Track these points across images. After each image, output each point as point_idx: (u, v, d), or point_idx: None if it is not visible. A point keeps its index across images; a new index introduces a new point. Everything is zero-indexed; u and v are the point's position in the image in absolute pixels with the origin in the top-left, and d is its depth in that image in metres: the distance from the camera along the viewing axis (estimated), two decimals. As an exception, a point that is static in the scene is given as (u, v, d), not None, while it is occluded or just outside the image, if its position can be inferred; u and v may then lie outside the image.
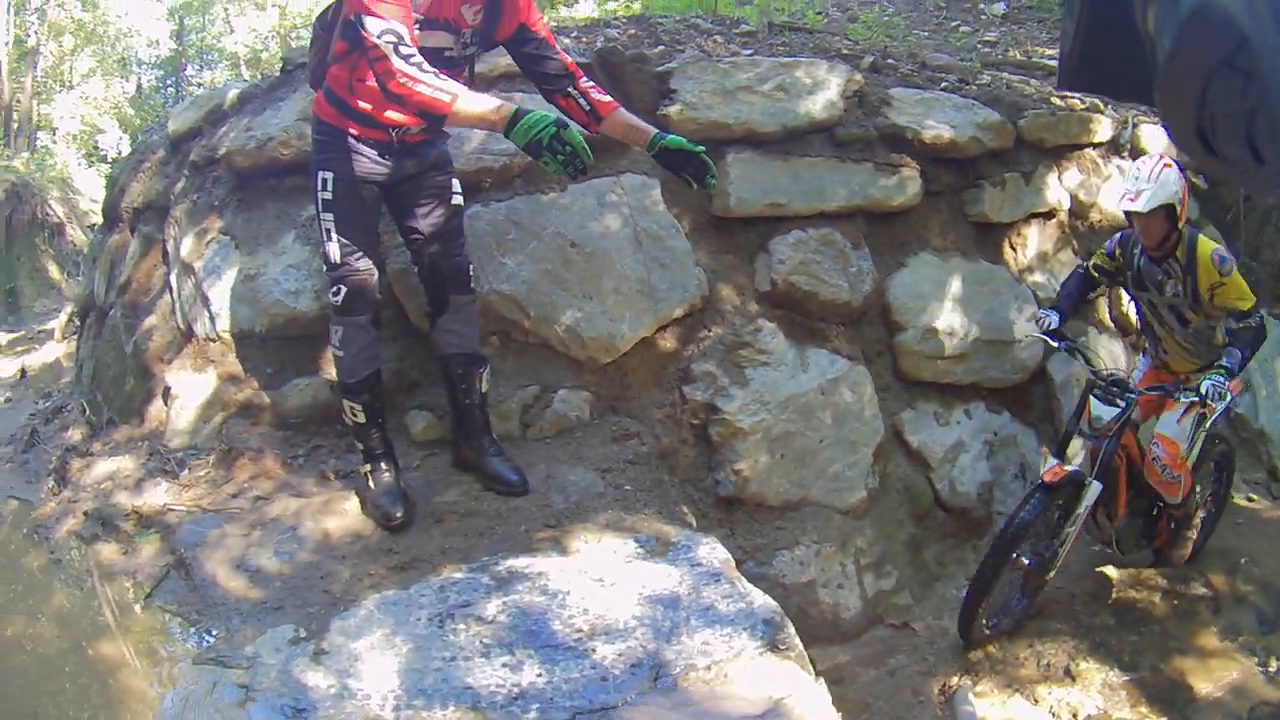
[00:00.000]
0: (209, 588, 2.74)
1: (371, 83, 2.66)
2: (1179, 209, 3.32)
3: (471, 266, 3.11)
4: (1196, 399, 3.27)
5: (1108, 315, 4.84)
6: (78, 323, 5.47)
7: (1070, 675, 3.47)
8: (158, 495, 3.28)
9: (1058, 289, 3.99)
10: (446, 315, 3.08)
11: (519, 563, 2.66)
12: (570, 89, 2.81)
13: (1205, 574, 4.06)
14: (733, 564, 2.75)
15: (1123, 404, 3.36)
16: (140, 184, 4.51)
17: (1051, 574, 3.58)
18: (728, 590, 2.57)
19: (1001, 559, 3.34)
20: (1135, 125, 4.95)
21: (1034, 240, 4.57)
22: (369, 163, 2.86)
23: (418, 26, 2.57)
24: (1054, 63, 5.13)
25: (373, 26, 2.45)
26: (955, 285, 4.16)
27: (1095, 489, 3.42)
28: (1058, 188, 4.61)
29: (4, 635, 2.85)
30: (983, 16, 6.67)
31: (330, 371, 3.30)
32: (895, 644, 3.50)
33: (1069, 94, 4.75)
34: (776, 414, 3.65)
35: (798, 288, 3.84)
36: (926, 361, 4.08)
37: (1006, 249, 4.50)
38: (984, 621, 3.48)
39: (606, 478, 3.12)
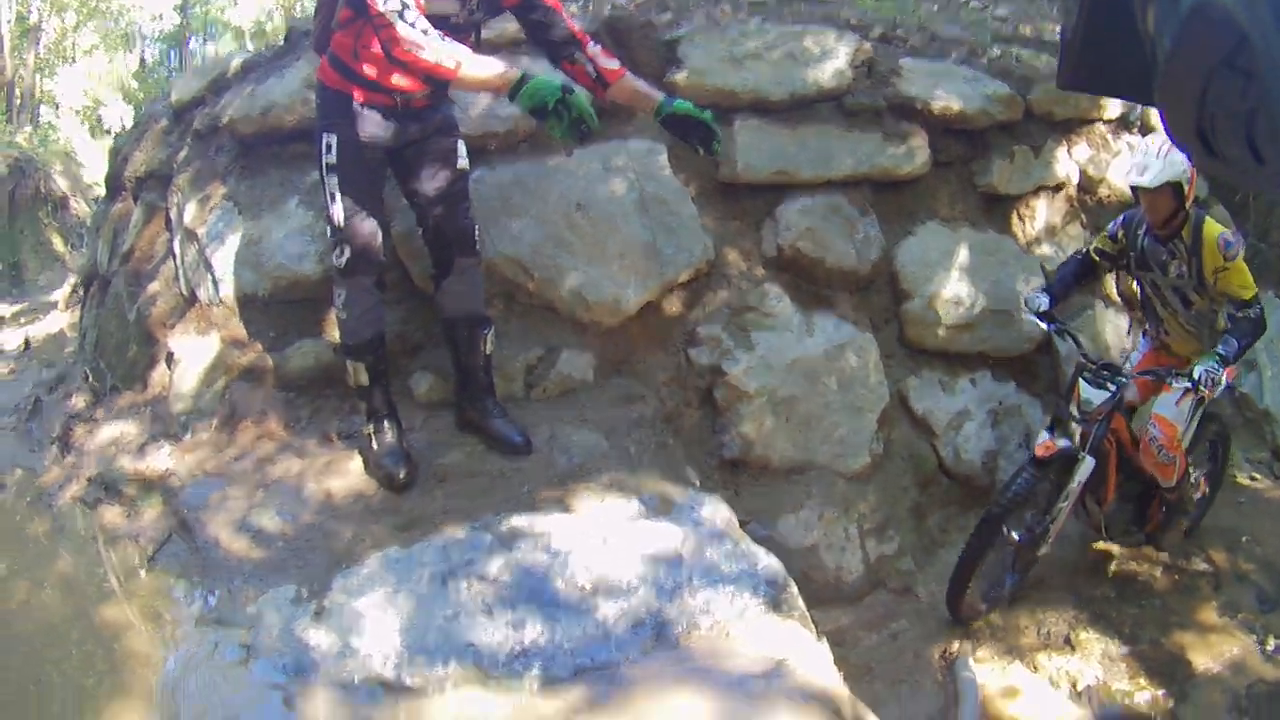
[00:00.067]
0: (211, 549, 2.74)
1: (376, 49, 2.65)
2: (1186, 188, 3.27)
3: (476, 229, 3.09)
4: (1189, 385, 3.21)
5: (1115, 290, 4.80)
6: (81, 292, 5.46)
7: (1070, 644, 3.48)
8: (160, 459, 3.29)
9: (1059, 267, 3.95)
10: (451, 277, 3.07)
11: (522, 522, 2.65)
12: (577, 54, 2.78)
13: (1206, 550, 4.06)
14: (736, 524, 2.75)
15: (1113, 388, 3.31)
16: (143, 153, 4.49)
17: (1043, 550, 3.55)
18: (731, 549, 2.57)
19: (990, 534, 3.30)
20: (1146, 103, 4.89)
21: (1042, 213, 4.53)
22: (373, 126, 2.84)
23: None
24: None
25: None
26: (963, 255, 4.14)
27: (1089, 464, 3.38)
28: (1067, 161, 4.57)
29: (9, 601, 2.85)
30: (994, -9, 6.59)
31: (333, 334, 3.30)
32: (897, 609, 3.51)
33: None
34: (782, 378, 3.64)
35: (804, 254, 3.82)
36: (932, 330, 4.05)
37: (1015, 220, 4.47)
38: (974, 595, 3.44)
39: (610, 439, 3.10)
